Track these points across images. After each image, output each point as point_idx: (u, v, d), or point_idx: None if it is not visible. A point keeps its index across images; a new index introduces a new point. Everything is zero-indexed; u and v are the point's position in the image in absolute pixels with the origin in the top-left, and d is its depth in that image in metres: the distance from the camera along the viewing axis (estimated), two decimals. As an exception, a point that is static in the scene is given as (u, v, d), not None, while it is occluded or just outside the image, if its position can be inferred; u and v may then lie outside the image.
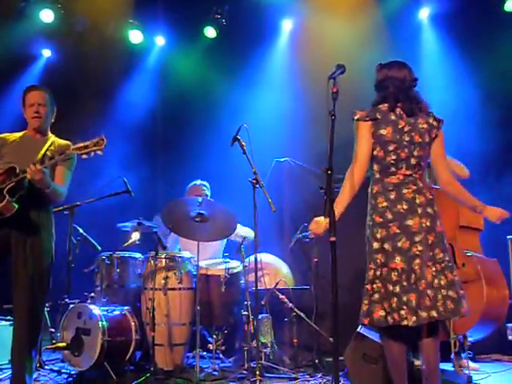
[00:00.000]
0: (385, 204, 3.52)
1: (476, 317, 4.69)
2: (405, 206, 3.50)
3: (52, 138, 4.36)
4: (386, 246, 3.46)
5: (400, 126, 3.57)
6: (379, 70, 3.75)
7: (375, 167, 3.60)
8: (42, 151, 4.15)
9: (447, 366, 4.98)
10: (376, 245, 3.49)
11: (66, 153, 3.95)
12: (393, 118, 3.58)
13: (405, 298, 3.37)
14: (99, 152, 3.86)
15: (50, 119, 4.41)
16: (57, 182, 4.17)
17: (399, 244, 3.45)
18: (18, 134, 4.39)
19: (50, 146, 4.22)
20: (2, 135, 4.40)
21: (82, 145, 3.88)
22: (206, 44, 7.91)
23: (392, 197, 3.53)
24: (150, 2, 7.81)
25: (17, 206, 3.93)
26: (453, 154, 5.31)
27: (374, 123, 3.56)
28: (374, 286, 3.46)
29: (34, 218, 4.09)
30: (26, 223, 4.05)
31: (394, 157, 3.54)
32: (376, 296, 3.44)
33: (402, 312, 3.36)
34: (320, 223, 3.45)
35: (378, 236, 3.49)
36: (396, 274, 3.42)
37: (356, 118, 3.58)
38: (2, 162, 4.20)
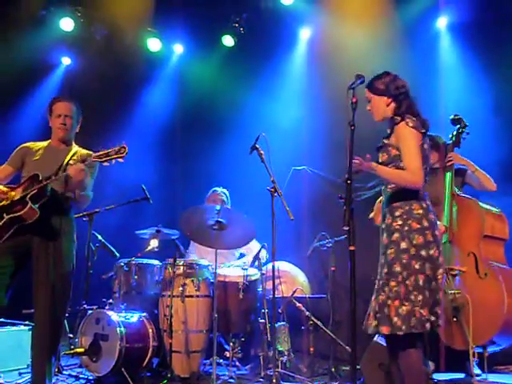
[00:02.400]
0: (420, 211, 3.53)
1: (495, 328, 4.62)
2: (433, 216, 3.58)
3: (75, 148, 4.42)
4: (423, 252, 3.48)
5: (426, 144, 3.64)
6: (396, 79, 3.72)
7: None
8: (65, 161, 4.21)
9: (461, 376, 4.98)
10: (412, 250, 3.48)
11: (88, 160, 4.01)
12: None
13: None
14: (120, 160, 3.93)
15: (75, 130, 4.47)
16: None
17: (431, 252, 3.50)
18: (43, 144, 4.46)
19: (73, 156, 4.28)
20: (27, 144, 4.47)
21: (103, 152, 3.97)
22: (224, 52, 7.94)
23: (425, 205, 3.57)
24: (168, 10, 7.85)
25: (39, 213, 3.99)
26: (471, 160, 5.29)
27: (423, 135, 3.59)
28: (415, 293, 3.46)
29: (56, 225, 4.15)
30: (47, 229, 4.11)
31: (424, 170, 3.59)
32: (415, 302, 3.46)
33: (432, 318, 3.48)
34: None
35: (415, 242, 3.48)
36: (428, 280, 3.48)
37: (411, 125, 3.55)
38: (26, 170, 4.27)
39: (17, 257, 4.14)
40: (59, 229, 4.16)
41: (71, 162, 4.20)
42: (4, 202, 4.10)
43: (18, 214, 3.98)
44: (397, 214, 3.55)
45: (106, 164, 3.98)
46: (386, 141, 3.64)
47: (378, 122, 3.80)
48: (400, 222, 3.52)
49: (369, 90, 3.75)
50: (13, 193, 4.12)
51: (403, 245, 3.49)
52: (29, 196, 4.00)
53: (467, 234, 4.82)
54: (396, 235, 3.52)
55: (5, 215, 4.02)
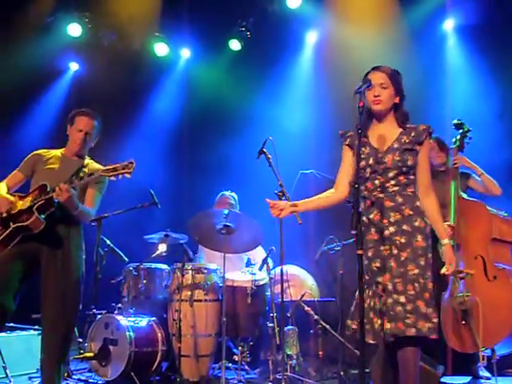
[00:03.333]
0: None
1: (508, 329, 4.60)
2: None
3: (87, 160, 4.42)
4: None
5: None
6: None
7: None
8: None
9: (468, 378, 4.98)
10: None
11: (95, 175, 4.01)
12: None
13: None
14: (127, 175, 3.91)
15: (91, 145, 4.48)
16: (86, 204, 4.25)
17: None
18: (55, 152, 4.45)
19: (84, 168, 4.27)
20: (39, 152, 4.46)
21: (111, 167, 3.95)
22: (230, 56, 7.97)
23: None
24: (175, 15, 7.89)
25: (45, 223, 3.99)
26: (478, 164, 5.28)
27: None
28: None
29: (64, 234, 4.16)
30: (56, 239, 4.12)
31: None
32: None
33: None
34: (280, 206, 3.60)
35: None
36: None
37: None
38: (36, 178, 4.27)
39: (25, 262, 4.14)
40: (67, 238, 4.16)
41: (80, 174, 4.20)
42: (11, 212, 4.11)
43: (24, 223, 3.99)
44: (423, 224, 3.47)
45: (112, 179, 3.97)
46: (418, 147, 3.49)
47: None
48: (429, 229, 3.49)
49: (389, 79, 3.52)
50: (21, 202, 4.12)
51: (429, 255, 3.46)
52: (36, 206, 4.00)
53: (475, 237, 4.81)
54: (429, 241, 3.47)
55: (11, 224, 4.03)
